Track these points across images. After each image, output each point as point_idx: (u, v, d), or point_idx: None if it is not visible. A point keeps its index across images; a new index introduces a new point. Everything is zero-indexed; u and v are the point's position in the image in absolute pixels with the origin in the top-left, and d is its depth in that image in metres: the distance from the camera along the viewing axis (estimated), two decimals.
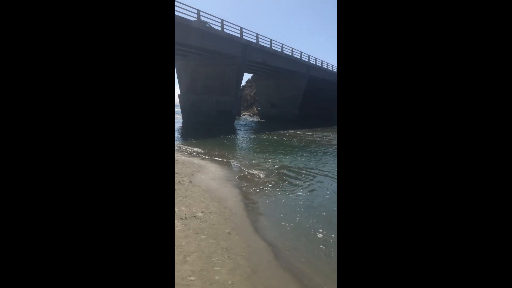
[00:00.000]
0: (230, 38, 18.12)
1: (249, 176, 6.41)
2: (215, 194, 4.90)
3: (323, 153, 10.30)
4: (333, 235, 3.62)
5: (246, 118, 34.14)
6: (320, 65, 30.28)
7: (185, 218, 3.68)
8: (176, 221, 3.53)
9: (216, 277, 2.46)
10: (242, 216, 4.04)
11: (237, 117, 26.21)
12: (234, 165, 7.72)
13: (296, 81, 28.44)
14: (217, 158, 8.41)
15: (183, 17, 14.89)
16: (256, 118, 32.62)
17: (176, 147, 10.12)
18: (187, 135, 14.46)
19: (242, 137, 14.96)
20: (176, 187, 5.01)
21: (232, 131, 17.64)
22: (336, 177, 6.64)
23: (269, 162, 8.10)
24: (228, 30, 17.92)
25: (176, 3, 14.53)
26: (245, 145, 12.19)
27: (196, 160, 7.91)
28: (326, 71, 31.78)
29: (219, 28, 17.22)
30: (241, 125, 23.45)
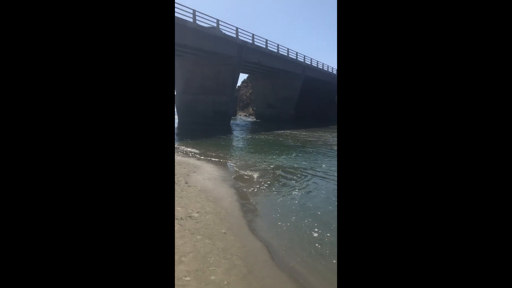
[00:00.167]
0: (226, 38, 18.11)
1: (244, 176, 6.42)
2: (211, 194, 4.89)
3: (319, 153, 10.35)
4: (328, 234, 3.65)
5: (242, 118, 34.12)
6: (316, 65, 30.42)
7: (181, 218, 3.67)
8: None
9: (212, 277, 2.46)
10: (237, 216, 4.04)
11: (232, 117, 26.17)
12: (230, 165, 7.71)
13: (291, 82, 28.53)
14: (213, 159, 8.40)
15: (178, 17, 14.83)
16: (252, 118, 32.63)
17: None
18: (182, 135, 14.40)
19: (238, 137, 14.95)
20: None
21: (228, 131, 17.62)
22: (331, 177, 6.69)
23: (265, 162, 8.12)
24: (223, 30, 17.91)
25: None
26: (241, 145, 12.18)
27: (192, 161, 7.88)
28: (321, 71, 31.95)
29: (215, 28, 17.19)
30: (237, 125, 23.44)
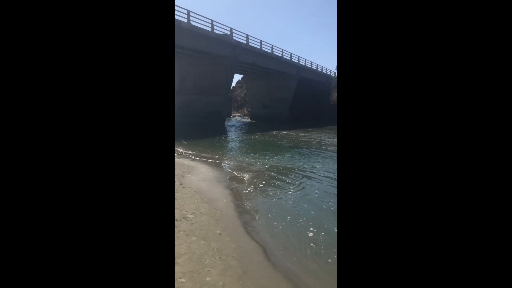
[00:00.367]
0: (220, 38, 18.07)
1: (239, 177, 6.41)
2: (206, 195, 4.87)
3: (313, 154, 10.40)
4: (322, 233, 3.67)
5: (237, 118, 34.09)
6: (310, 66, 30.59)
7: (176, 219, 3.65)
8: None
9: (207, 279, 2.45)
10: (233, 217, 4.04)
11: (227, 118, 26.15)
12: (225, 166, 7.70)
13: (286, 82, 28.63)
14: (208, 159, 8.37)
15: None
16: (247, 119, 32.63)
17: None
18: (177, 136, 14.30)
19: (233, 138, 14.93)
20: None
21: (223, 132, 17.58)
22: (325, 177, 6.73)
23: (260, 162, 8.12)
24: (218, 30, 17.88)
25: None
26: (236, 146, 12.17)
27: (186, 161, 7.84)
28: (315, 72, 32.14)
29: (209, 29, 17.16)
30: (232, 126, 23.41)
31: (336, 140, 14.50)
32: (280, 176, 6.64)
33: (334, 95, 31.32)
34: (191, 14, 15.87)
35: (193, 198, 4.61)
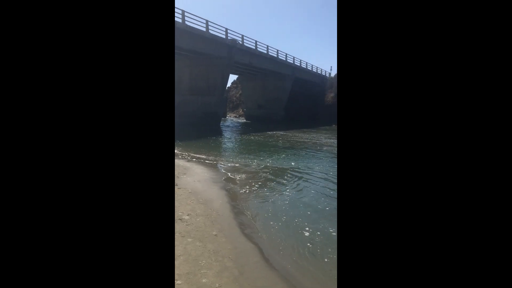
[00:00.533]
0: (215, 39, 18.04)
1: (235, 178, 6.40)
2: (201, 196, 4.85)
3: (309, 154, 10.44)
4: (318, 233, 3.69)
5: (232, 119, 34.04)
6: (305, 66, 30.72)
7: None
8: None
9: (203, 280, 2.44)
10: (228, 217, 4.03)
11: (222, 118, 26.08)
12: (220, 166, 7.67)
13: (281, 83, 28.69)
14: (203, 160, 8.34)
15: None
16: (242, 119, 32.60)
17: None
18: None
19: (228, 139, 14.91)
20: None
21: (218, 132, 17.53)
22: (320, 177, 6.76)
23: (256, 163, 8.12)
24: (213, 31, 17.84)
25: None
26: (232, 147, 12.15)
27: (182, 162, 7.80)
28: (310, 72, 32.28)
29: (204, 29, 17.10)
30: (227, 126, 23.36)
31: (332, 140, 14.58)
32: (276, 177, 6.65)
33: (329, 95, 31.50)
34: (186, 14, 15.81)
35: (189, 199, 4.58)
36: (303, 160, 8.94)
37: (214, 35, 17.92)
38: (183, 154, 9.25)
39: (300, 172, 7.17)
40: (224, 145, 12.40)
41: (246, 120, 31.41)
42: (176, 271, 2.52)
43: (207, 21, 17.19)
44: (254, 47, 21.94)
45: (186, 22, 16.01)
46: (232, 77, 40.49)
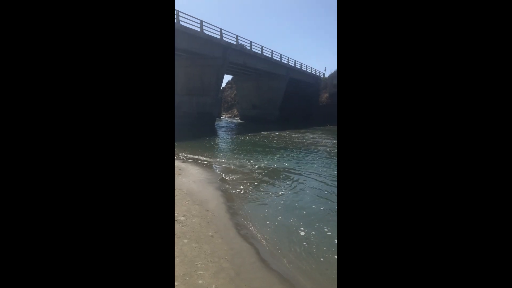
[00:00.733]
0: (210, 39, 17.99)
1: (231, 178, 6.39)
2: (197, 197, 4.83)
3: (304, 154, 10.49)
4: (313, 232, 3.71)
5: (227, 119, 33.98)
6: (300, 67, 30.85)
7: None
8: None
9: (200, 281, 2.43)
10: (224, 218, 4.02)
11: (217, 118, 26.02)
12: (216, 167, 7.65)
13: (276, 83, 28.77)
14: (198, 161, 8.30)
15: None
16: (237, 120, 32.57)
17: None
18: None
19: (223, 139, 14.87)
20: None
21: (213, 132, 17.48)
22: (314, 176, 6.79)
23: (251, 163, 8.12)
24: (207, 31, 17.79)
25: None
26: (227, 147, 12.12)
27: (177, 163, 7.75)
28: (305, 73, 32.43)
29: (199, 29, 17.04)
30: (222, 126, 23.31)
31: (328, 141, 14.67)
32: (271, 177, 6.66)
33: (323, 96, 31.68)
34: (180, 14, 15.72)
35: (184, 200, 4.56)
36: (298, 161, 8.97)
37: (209, 35, 17.87)
38: (178, 155, 9.19)
39: (295, 173, 7.20)
40: (219, 146, 12.37)
41: (241, 120, 31.38)
42: None
43: (201, 21, 17.13)
44: (248, 47, 21.94)
45: (181, 22, 15.92)
46: (227, 77, 40.45)
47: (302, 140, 14.57)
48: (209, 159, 8.62)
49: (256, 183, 6.02)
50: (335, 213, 4.46)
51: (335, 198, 5.17)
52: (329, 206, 4.78)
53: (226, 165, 7.84)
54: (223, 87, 40.96)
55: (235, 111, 37.18)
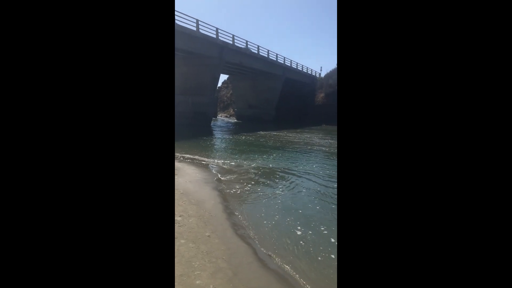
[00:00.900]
0: (206, 38, 17.92)
1: (227, 178, 6.38)
2: (193, 197, 4.82)
3: (300, 153, 10.52)
4: (310, 232, 3.73)
5: (223, 119, 33.91)
6: (296, 67, 30.91)
7: None
8: None
9: (197, 282, 2.42)
10: (221, 218, 4.01)
11: (213, 118, 25.95)
12: (212, 167, 7.63)
13: (272, 83, 28.79)
14: (194, 161, 8.27)
15: None
16: (233, 119, 32.51)
17: None
18: None
19: (220, 139, 14.84)
20: None
21: (209, 132, 17.43)
22: (310, 176, 6.82)
23: (247, 163, 8.12)
24: (203, 30, 17.71)
25: None
26: (223, 147, 12.10)
27: None
28: (301, 73, 32.51)
29: (194, 28, 16.97)
30: (218, 126, 23.25)
31: (324, 140, 14.73)
32: (267, 177, 6.67)
33: (319, 95, 31.80)
34: (176, 13, 15.63)
35: (181, 200, 4.54)
36: (294, 160, 9.00)
37: (205, 34, 17.80)
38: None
39: (291, 172, 7.21)
40: (216, 146, 12.34)
41: (237, 120, 31.34)
42: None
43: (197, 20, 17.05)
44: (244, 47, 21.91)
45: (176, 21, 15.84)
46: (223, 77, 40.34)
47: (298, 140, 14.61)
48: (205, 159, 8.59)
49: (252, 183, 6.02)
50: (331, 212, 4.48)
51: (330, 198, 5.20)
52: (325, 205, 4.81)
53: (223, 165, 7.83)
54: (219, 87, 40.86)
55: (231, 111, 37.12)
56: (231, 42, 20.17)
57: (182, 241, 3.15)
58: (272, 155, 9.75)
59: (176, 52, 18.42)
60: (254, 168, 7.50)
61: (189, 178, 6.09)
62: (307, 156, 9.98)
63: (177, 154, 9.21)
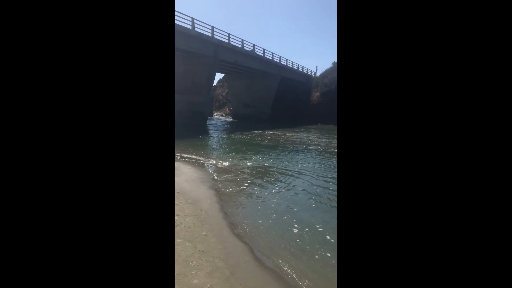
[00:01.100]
0: (201, 37, 17.83)
1: (223, 177, 6.37)
2: (190, 196, 4.80)
3: (296, 152, 10.55)
4: (306, 229, 3.75)
5: (219, 118, 33.81)
6: (291, 66, 30.95)
7: None
8: None
9: (194, 281, 2.42)
10: (218, 217, 4.01)
11: (209, 117, 25.87)
12: (208, 166, 7.62)
13: (268, 82, 28.79)
14: (191, 160, 8.24)
15: None
16: (229, 118, 32.45)
17: None
18: None
19: (215, 138, 14.80)
20: None
21: (205, 131, 17.37)
22: (306, 175, 6.85)
23: (243, 162, 8.12)
24: (199, 29, 17.62)
25: None
26: (219, 146, 12.08)
27: None
28: (296, 72, 32.57)
29: (190, 27, 16.86)
30: (214, 125, 23.18)
31: (320, 140, 14.80)
32: (264, 176, 6.68)
33: (315, 94, 31.90)
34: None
35: (177, 200, 4.53)
36: (291, 159, 9.02)
37: (200, 33, 17.70)
38: None
39: (287, 171, 7.24)
40: (211, 145, 12.31)
41: (232, 119, 31.28)
42: None
43: (192, 18, 16.94)
44: (240, 46, 21.86)
45: None
46: (218, 76, 40.25)
47: (294, 139, 14.65)
48: (201, 158, 8.57)
49: (249, 182, 6.02)
50: (326, 211, 4.52)
51: (326, 196, 5.24)
52: (320, 204, 4.84)
53: (219, 164, 7.81)
54: (214, 85, 40.73)
55: (227, 110, 37.02)
56: (226, 41, 20.10)
57: (179, 240, 3.14)
58: (268, 154, 9.76)
59: None
60: (250, 167, 7.50)
61: (185, 177, 6.07)
62: (303, 155, 10.01)
63: None
